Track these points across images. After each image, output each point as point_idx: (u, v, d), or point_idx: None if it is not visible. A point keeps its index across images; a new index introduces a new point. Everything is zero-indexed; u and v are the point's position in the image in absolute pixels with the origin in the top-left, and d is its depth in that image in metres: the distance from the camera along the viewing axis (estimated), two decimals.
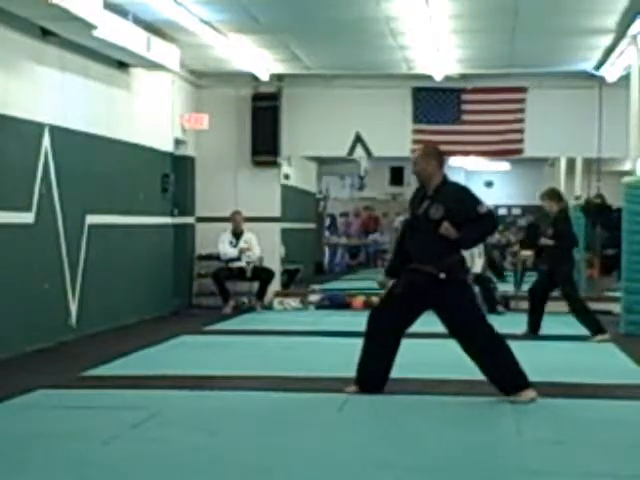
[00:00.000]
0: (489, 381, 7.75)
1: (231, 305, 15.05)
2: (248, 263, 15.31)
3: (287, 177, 18.85)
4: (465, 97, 15.84)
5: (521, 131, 15.78)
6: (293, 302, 15.79)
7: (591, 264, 20.92)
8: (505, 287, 16.84)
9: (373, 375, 7.88)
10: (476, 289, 15.47)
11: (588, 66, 14.81)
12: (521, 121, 15.76)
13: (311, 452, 6.08)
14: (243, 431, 6.63)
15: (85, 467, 5.65)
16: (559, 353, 10.75)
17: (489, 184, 31.88)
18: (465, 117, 15.84)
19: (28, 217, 10.39)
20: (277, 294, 15.98)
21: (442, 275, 7.63)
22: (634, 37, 12.32)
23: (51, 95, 10.96)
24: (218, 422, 6.88)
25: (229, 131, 16.02)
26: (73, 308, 11.43)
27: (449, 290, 7.69)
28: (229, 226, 15.46)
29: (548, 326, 12.24)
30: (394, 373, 7.91)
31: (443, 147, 17.65)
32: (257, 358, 10.18)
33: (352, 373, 7.91)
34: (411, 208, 7.96)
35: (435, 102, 15.81)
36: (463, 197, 7.85)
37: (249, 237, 15.41)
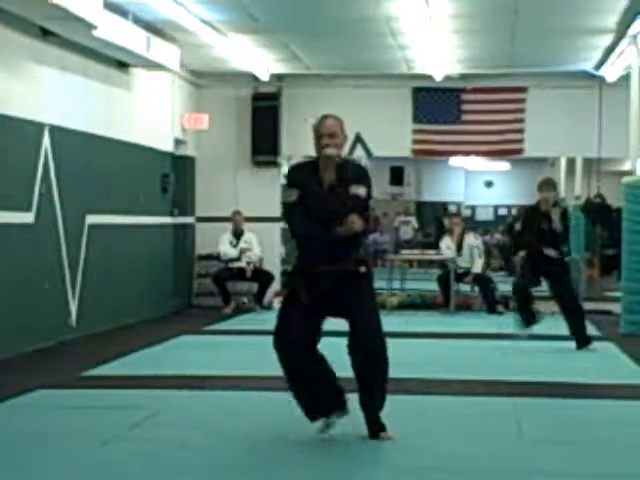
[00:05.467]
0: None
1: (232, 306, 15.06)
2: (248, 263, 15.31)
3: None
4: (465, 97, 15.84)
5: (521, 131, 15.78)
6: None
7: (591, 264, 20.93)
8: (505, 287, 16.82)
9: None
10: (476, 289, 15.54)
11: (588, 66, 14.81)
12: (521, 121, 15.76)
13: (310, 452, 6.08)
14: (243, 431, 6.63)
15: (85, 467, 5.65)
16: (559, 353, 10.75)
17: (489, 184, 31.87)
18: (465, 117, 15.84)
19: (28, 217, 10.39)
20: (277, 294, 15.96)
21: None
22: (634, 37, 12.32)
23: (51, 95, 10.96)
24: (218, 422, 6.88)
25: (229, 131, 16.01)
26: (73, 308, 11.43)
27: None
28: (229, 226, 15.46)
29: (548, 326, 12.22)
30: (394, 373, 7.88)
31: (443, 147, 17.62)
32: (257, 358, 10.13)
33: (352, 373, 7.81)
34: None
35: (435, 102, 15.81)
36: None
37: (249, 237, 15.41)
